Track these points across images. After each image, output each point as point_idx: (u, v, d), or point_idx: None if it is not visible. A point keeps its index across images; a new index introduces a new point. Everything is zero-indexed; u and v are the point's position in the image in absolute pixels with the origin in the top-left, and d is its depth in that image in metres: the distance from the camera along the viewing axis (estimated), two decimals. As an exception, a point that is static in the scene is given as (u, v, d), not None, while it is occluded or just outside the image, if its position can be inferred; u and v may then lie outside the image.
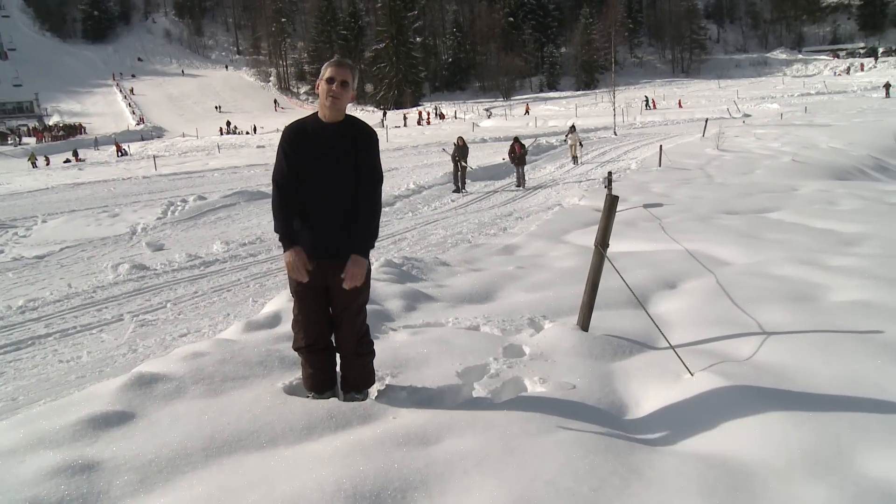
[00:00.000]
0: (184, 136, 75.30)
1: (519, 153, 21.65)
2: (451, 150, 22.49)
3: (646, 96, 74.38)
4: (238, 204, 19.79)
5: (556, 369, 4.44)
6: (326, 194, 3.79)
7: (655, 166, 23.16)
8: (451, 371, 4.42)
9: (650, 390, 4.14)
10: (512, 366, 4.53)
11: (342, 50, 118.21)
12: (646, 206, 13.88)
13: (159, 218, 17.72)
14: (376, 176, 3.88)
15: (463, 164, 21.09)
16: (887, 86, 59.64)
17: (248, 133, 76.36)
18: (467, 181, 21.82)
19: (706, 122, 37.44)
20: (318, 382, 4.08)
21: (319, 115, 3.87)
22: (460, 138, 22.16)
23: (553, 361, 4.60)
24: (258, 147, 52.24)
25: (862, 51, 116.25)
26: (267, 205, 19.47)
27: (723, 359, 4.42)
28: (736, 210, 13.07)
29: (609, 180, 14.21)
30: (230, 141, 62.81)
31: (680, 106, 68.62)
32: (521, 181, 21.53)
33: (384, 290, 6.49)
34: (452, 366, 4.50)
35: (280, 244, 3.84)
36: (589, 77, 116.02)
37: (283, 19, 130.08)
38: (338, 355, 4.09)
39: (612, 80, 48.65)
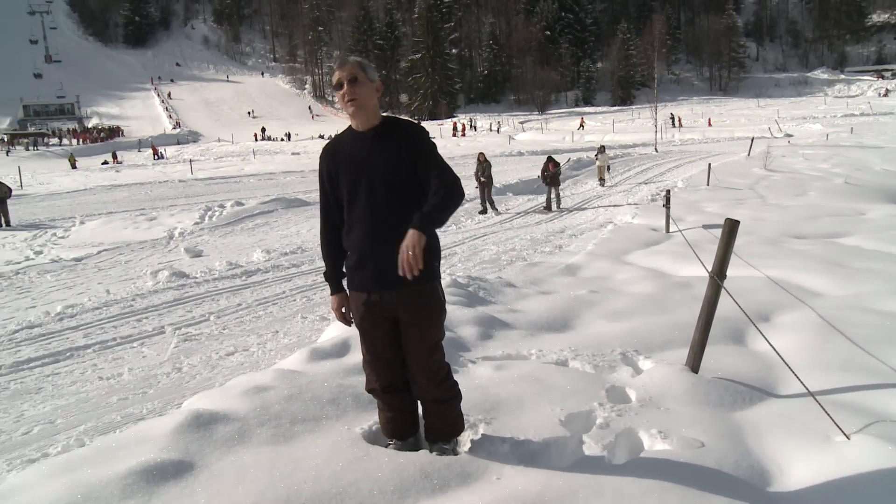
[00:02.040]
0: (219, 140, 75.59)
1: (552, 172, 19.71)
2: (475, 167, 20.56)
3: (671, 114, 72.89)
4: (276, 211, 19.38)
5: (674, 420, 3.81)
6: (377, 213, 3.21)
7: (703, 185, 22.41)
8: (553, 418, 3.80)
9: (794, 454, 3.49)
10: (621, 413, 3.91)
11: (378, 59, 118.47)
12: (705, 226, 13.22)
13: (196, 223, 17.37)
14: (446, 173, 3.20)
15: (483, 179, 19.19)
16: (934, 107, 57.83)
17: (282, 140, 76.37)
18: (494, 199, 19.97)
19: (752, 141, 36.55)
20: (400, 427, 3.51)
21: (353, 126, 3.32)
22: (482, 154, 20.71)
23: (667, 410, 3.97)
24: (293, 154, 52.13)
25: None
26: (306, 212, 19.34)
27: (877, 417, 3.76)
28: (803, 234, 12.35)
29: (668, 199, 13.52)
30: (265, 147, 62.84)
31: (710, 125, 67.25)
32: (550, 203, 19.50)
33: (455, 315, 5.89)
34: (553, 411, 3.89)
35: None
36: (625, 93, 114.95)
37: (321, 28, 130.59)
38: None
39: (655, 97, 47.70)
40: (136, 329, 7.90)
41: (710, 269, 4.49)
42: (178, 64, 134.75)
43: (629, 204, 19.37)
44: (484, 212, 18.99)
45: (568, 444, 3.58)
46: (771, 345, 4.23)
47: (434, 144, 3.32)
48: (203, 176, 32.90)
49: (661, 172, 29.77)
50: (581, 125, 74.99)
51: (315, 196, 22.82)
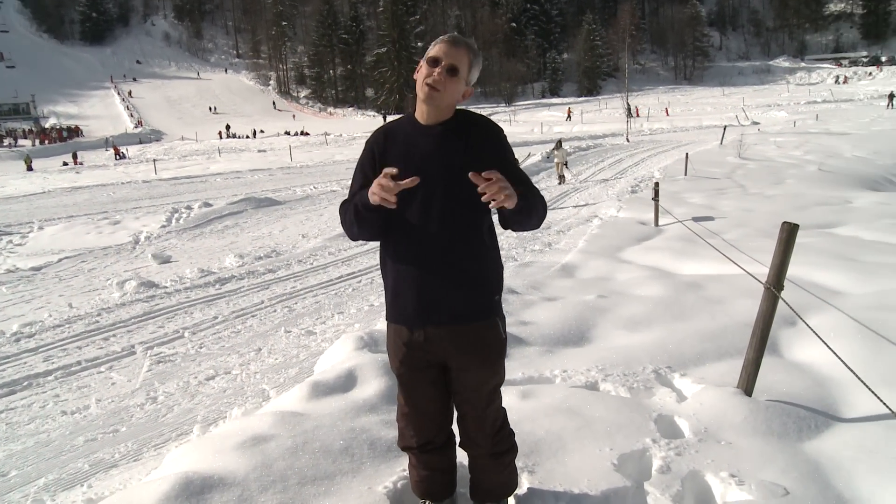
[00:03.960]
0: (183, 139, 74.06)
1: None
2: None
3: (628, 104, 72.87)
4: (246, 211, 18.63)
5: (743, 458, 3.28)
6: (433, 228, 2.59)
7: (681, 175, 22.05)
8: (604, 461, 3.25)
9: (891, 497, 2.96)
10: (680, 452, 3.36)
11: (343, 54, 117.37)
12: (695, 219, 12.79)
13: (163, 226, 16.56)
14: (535, 189, 2.65)
15: None
16: (891, 96, 58.75)
17: (248, 137, 75.05)
18: None
19: (724, 129, 36.44)
20: (437, 489, 2.92)
21: (416, 114, 2.68)
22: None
23: (730, 444, 3.43)
24: (259, 151, 51.12)
25: (865, 59, 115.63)
26: (277, 212, 18.62)
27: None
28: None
29: (656, 191, 13.02)
30: (230, 145, 61.63)
31: (667, 114, 67.17)
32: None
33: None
34: (601, 452, 3.33)
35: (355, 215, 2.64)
36: (592, 83, 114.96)
37: (284, 23, 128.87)
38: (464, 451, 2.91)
39: (626, 87, 47.51)
40: (104, 350, 7.18)
41: (767, 281, 3.95)
42: (138, 61, 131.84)
43: (610, 197, 18.91)
44: None
45: (629, 497, 3.02)
46: (842, 360, 3.70)
47: (513, 151, 2.72)
48: (168, 176, 31.87)
49: (636, 163, 29.41)
50: (568, 115, 73.87)
51: (286, 195, 22.21)
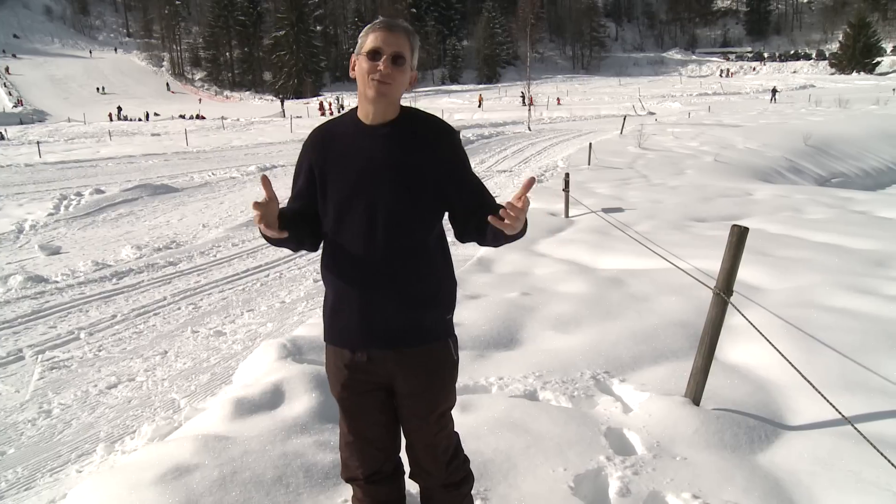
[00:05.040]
0: (69, 120, 70.31)
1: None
2: None
3: (522, 92, 73.58)
4: (141, 199, 17.69)
5: (701, 475, 3.14)
6: (380, 240, 2.30)
7: (584, 164, 22.26)
8: (559, 483, 3.04)
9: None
10: (637, 471, 3.19)
11: (239, 36, 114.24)
12: (605, 210, 12.87)
13: (51, 213, 15.51)
14: (481, 194, 2.42)
15: None
16: (774, 91, 62.08)
17: (140, 120, 72.03)
18: None
19: (624, 119, 37.18)
20: (384, 521, 2.63)
21: (359, 113, 2.38)
22: None
23: (685, 460, 3.29)
24: (153, 135, 48.97)
25: (750, 55, 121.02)
26: (174, 199, 17.79)
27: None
28: (703, 217, 12.18)
29: (567, 182, 12.99)
30: (121, 128, 58.84)
31: (558, 103, 68.36)
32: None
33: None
34: (555, 473, 3.12)
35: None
36: (491, 71, 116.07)
37: (178, 1, 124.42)
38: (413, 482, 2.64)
39: (528, 74, 47.87)
40: (-14, 355, 6.55)
41: (716, 286, 3.82)
42: (15, 36, 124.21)
43: (517, 186, 18.89)
44: None
45: (591, 523, 2.82)
46: (799, 371, 3.60)
47: (466, 155, 2.46)
48: (53, 160, 30.01)
49: (538, 151, 29.59)
50: (480, 103, 73.54)
51: (183, 181, 21.26)
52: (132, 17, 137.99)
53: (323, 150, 2.37)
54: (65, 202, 16.65)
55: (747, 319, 3.93)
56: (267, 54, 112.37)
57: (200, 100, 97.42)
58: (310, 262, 10.09)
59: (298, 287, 8.79)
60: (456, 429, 2.65)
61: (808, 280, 7.03)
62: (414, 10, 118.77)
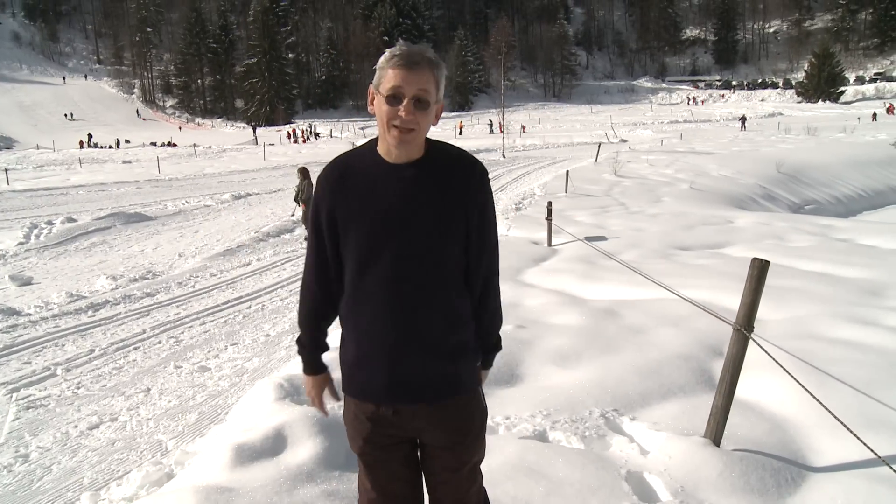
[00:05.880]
0: (38, 148, 69.47)
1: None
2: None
3: (490, 120, 73.02)
4: (114, 227, 17.39)
5: (730, 522, 2.97)
6: (408, 292, 2.11)
7: (562, 192, 22.28)
8: (585, 534, 2.86)
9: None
10: (664, 518, 3.03)
11: (212, 64, 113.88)
12: (588, 238, 12.78)
13: (21, 243, 15.17)
14: (496, 270, 2.30)
15: (304, 202, 14.52)
16: (743, 118, 63.12)
17: (111, 147, 71.31)
18: None
19: (599, 146, 37.38)
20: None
21: (380, 149, 2.16)
22: (303, 169, 15.00)
23: (711, 505, 3.13)
24: (124, 162, 48.49)
25: (718, 83, 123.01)
26: (148, 228, 17.47)
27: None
28: (687, 245, 12.13)
29: (549, 211, 12.91)
30: (92, 155, 58.23)
31: (523, 130, 68.61)
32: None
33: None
34: (580, 523, 2.95)
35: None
36: (463, 98, 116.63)
37: (149, 29, 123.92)
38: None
39: (502, 102, 48.08)
40: (-43, 393, 6.26)
41: (736, 322, 3.70)
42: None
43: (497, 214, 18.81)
44: None
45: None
46: (827, 408, 3.48)
47: (493, 200, 2.28)
48: (22, 187, 29.53)
49: (514, 179, 29.63)
50: (460, 130, 73.25)
51: (157, 209, 20.95)
52: (103, 44, 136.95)
53: (343, 192, 2.14)
54: (35, 231, 16.31)
55: (772, 357, 3.80)
56: (239, 82, 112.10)
57: (181, 128, 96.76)
58: (292, 294, 9.88)
59: (282, 319, 8.57)
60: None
61: (804, 310, 6.95)
62: (386, 38, 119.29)
